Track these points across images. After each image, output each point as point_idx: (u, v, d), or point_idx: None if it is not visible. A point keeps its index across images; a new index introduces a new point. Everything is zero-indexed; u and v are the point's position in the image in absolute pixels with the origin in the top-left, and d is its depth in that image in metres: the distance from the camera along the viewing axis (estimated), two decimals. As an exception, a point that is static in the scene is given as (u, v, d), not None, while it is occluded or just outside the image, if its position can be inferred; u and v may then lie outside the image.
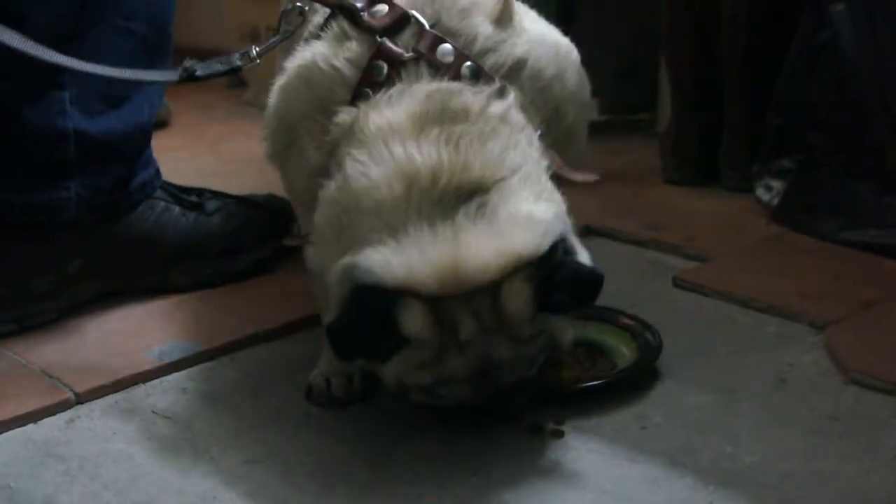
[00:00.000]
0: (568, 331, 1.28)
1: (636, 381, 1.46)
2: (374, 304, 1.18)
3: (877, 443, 1.30)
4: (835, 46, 1.88)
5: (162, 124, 2.60)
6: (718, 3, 2.13)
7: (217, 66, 1.47)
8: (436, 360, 1.21)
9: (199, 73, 1.45)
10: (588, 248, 1.30)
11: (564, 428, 1.36)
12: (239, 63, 1.48)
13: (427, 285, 1.17)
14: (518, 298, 1.18)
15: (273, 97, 1.44)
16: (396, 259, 1.18)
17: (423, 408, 1.32)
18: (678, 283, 1.77)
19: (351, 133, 1.29)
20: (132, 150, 1.75)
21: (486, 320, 1.19)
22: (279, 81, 1.43)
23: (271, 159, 1.50)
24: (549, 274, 1.19)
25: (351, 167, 1.25)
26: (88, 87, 1.66)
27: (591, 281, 1.24)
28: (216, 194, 1.91)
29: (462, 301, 1.18)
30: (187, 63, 1.45)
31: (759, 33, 2.11)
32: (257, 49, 1.48)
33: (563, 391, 1.43)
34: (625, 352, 1.52)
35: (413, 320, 1.18)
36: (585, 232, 2.00)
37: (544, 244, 1.19)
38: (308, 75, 1.37)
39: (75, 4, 1.61)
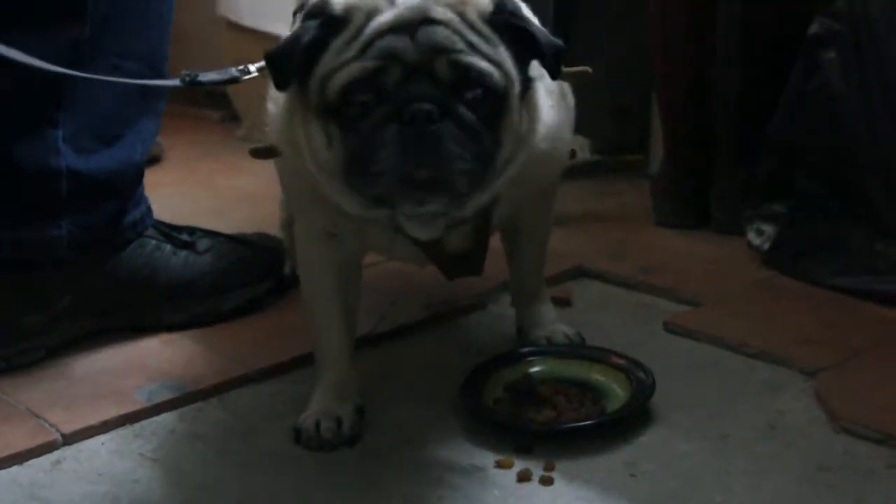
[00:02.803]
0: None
1: (627, 423, 1.46)
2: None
3: (867, 494, 1.30)
4: (826, 92, 1.90)
5: (154, 160, 2.62)
6: (712, 48, 2.15)
7: (214, 76, 1.48)
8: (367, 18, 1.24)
9: (200, 78, 1.46)
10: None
11: (554, 475, 1.35)
12: (237, 74, 1.49)
13: None
14: None
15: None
16: None
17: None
18: (669, 328, 1.78)
19: None
20: (124, 188, 1.76)
21: None
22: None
23: None
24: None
25: None
26: (81, 125, 1.67)
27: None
28: (207, 233, 1.91)
29: None
30: (184, 72, 1.47)
31: (752, 78, 2.13)
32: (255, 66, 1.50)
33: (539, 431, 1.44)
34: (617, 391, 1.52)
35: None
36: (577, 274, 2.02)
37: None
38: None
39: (70, 44, 1.62)
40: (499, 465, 1.38)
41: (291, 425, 1.47)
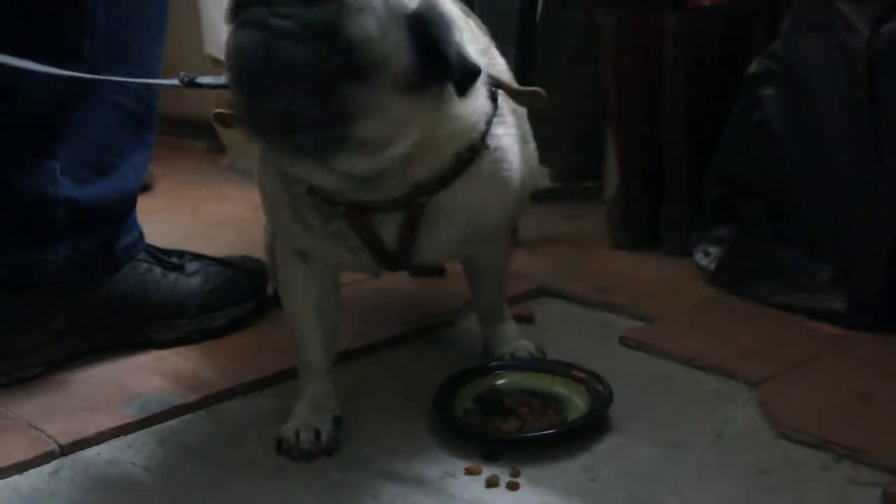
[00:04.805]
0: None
1: (587, 432, 1.46)
2: None
3: (805, 495, 1.31)
4: (765, 126, 1.92)
5: (145, 188, 2.60)
6: (661, 85, 2.18)
7: (210, 80, 1.46)
8: None
9: (198, 80, 1.43)
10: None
11: (519, 480, 1.36)
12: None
13: None
14: None
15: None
16: None
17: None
18: (625, 343, 1.79)
19: None
20: (118, 215, 1.75)
21: None
22: None
23: None
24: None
25: None
26: (78, 156, 1.67)
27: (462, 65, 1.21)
28: (196, 256, 1.90)
29: None
30: (182, 74, 1.45)
31: (699, 113, 2.15)
32: None
33: (505, 439, 1.44)
34: (577, 402, 1.53)
35: None
36: (539, 293, 2.03)
37: None
38: None
39: (69, 80, 1.61)
40: (468, 471, 1.39)
41: (274, 436, 1.47)
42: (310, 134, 1.21)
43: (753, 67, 1.94)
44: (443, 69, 1.21)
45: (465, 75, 1.23)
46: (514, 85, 1.44)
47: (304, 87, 1.17)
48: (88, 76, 1.50)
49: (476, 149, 1.35)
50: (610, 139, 2.42)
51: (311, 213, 1.39)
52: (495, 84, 1.37)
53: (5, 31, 1.58)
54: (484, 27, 1.54)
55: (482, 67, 1.27)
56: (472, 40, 1.35)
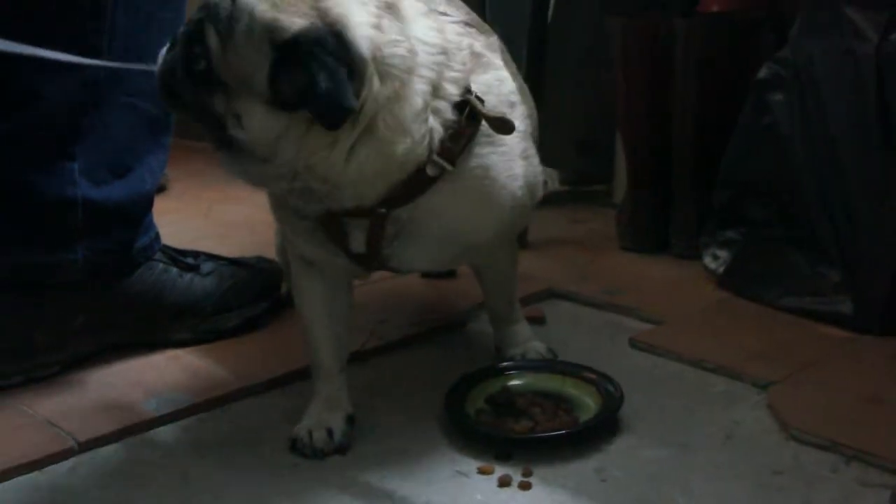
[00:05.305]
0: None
1: (598, 432, 1.47)
2: None
3: (814, 496, 1.32)
4: (774, 131, 1.92)
5: (160, 189, 2.59)
6: (669, 88, 2.18)
7: None
8: None
9: None
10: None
11: (531, 480, 1.36)
12: None
13: None
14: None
15: None
16: None
17: None
18: (634, 344, 1.79)
19: None
20: (135, 216, 1.76)
21: None
22: None
23: None
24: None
25: None
26: (96, 158, 1.67)
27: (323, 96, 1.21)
28: (211, 257, 1.91)
29: None
30: None
31: (708, 116, 2.15)
32: None
33: (517, 440, 1.45)
34: (588, 402, 1.53)
35: None
36: (548, 295, 2.04)
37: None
38: None
39: (85, 85, 1.62)
40: (480, 471, 1.39)
41: (288, 435, 1.47)
42: (208, 133, 1.32)
43: (762, 72, 1.94)
44: (308, 100, 1.21)
45: (331, 112, 1.21)
46: (519, 108, 1.44)
47: (181, 92, 1.31)
48: (115, 64, 1.51)
49: (440, 167, 1.33)
50: (619, 142, 2.42)
51: (288, 208, 1.40)
52: (471, 107, 1.34)
53: (26, 32, 1.58)
54: (502, 46, 1.53)
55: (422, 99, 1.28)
56: (429, 73, 1.31)
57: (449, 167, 1.33)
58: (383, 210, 1.34)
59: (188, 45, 1.27)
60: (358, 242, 1.39)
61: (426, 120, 1.30)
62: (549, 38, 2.39)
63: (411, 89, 1.28)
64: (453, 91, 1.33)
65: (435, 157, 1.32)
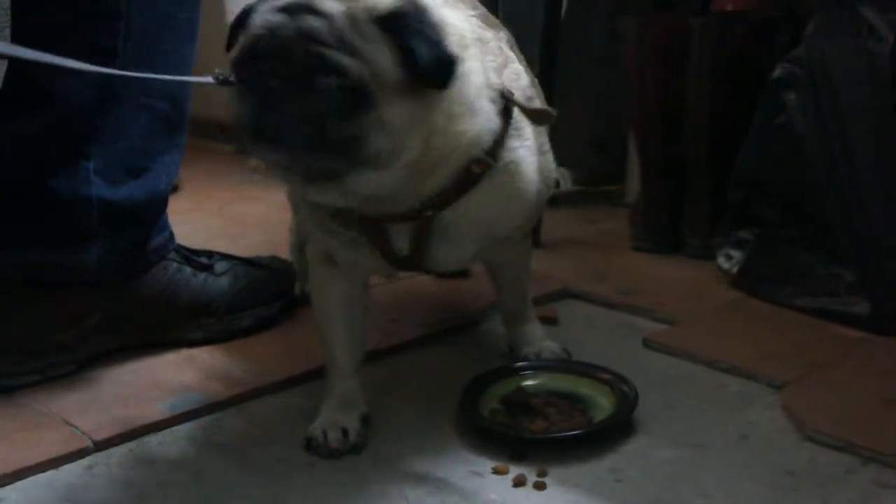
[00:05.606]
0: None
1: (613, 433, 1.46)
2: None
3: (830, 497, 1.31)
4: (788, 130, 1.91)
5: (173, 189, 2.60)
6: (684, 88, 2.17)
7: None
8: None
9: (232, 78, 1.43)
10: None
11: (546, 480, 1.36)
12: None
13: None
14: None
15: None
16: None
17: None
18: (648, 344, 1.79)
19: None
20: (149, 216, 1.76)
21: None
22: None
23: None
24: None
25: None
26: (112, 158, 1.67)
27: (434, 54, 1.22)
28: (224, 256, 1.91)
29: None
30: (217, 71, 1.45)
31: (721, 117, 2.14)
32: None
33: (532, 440, 1.44)
34: (603, 403, 1.53)
35: None
36: (562, 295, 2.03)
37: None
38: None
39: (100, 84, 1.62)
40: (495, 471, 1.39)
41: (304, 433, 1.47)
42: (324, 164, 1.25)
43: (777, 72, 1.93)
44: (419, 63, 1.21)
45: (440, 65, 1.22)
46: (537, 101, 1.45)
47: (313, 137, 1.21)
48: (129, 73, 1.51)
49: (485, 164, 1.33)
50: (632, 142, 2.41)
51: (331, 219, 1.40)
52: (507, 100, 1.35)
53: (42, 34, 1.59)
54: (511, 39, 1.53)
55: (478, 69, 1.29)
56: (479, 56, 1.33)
57: (493, 163, 1.34)
58: (429, 212, 1.35)
59: (309, 91, 1.20)
60: (402, 247, 1.40)
61: (489, 112, 1.33)
62: (562, 36, 2.39)
63: (470, 67, 1.29)
64: (495, 80, 1.34)
65: (482, 155, 1.33)
